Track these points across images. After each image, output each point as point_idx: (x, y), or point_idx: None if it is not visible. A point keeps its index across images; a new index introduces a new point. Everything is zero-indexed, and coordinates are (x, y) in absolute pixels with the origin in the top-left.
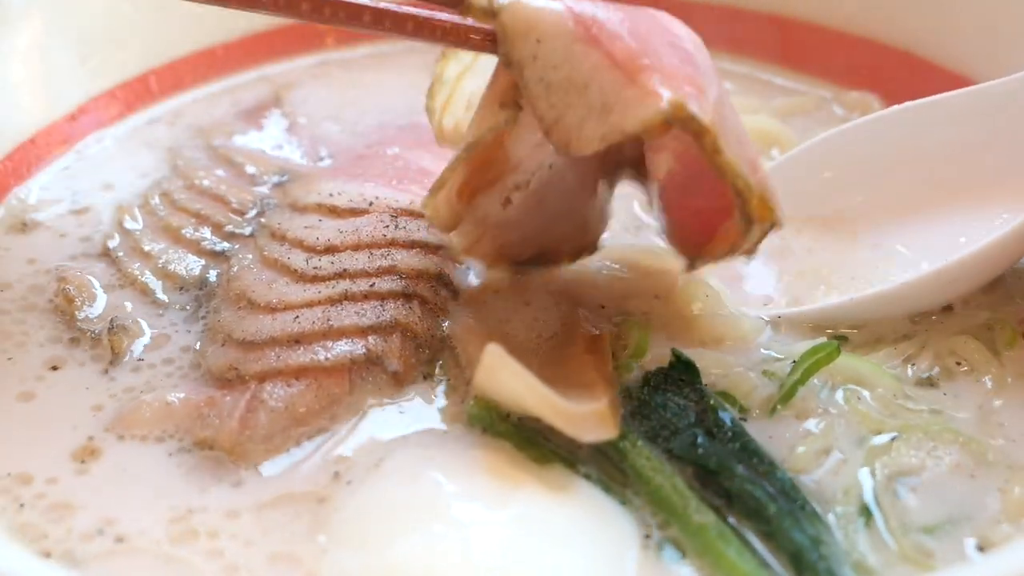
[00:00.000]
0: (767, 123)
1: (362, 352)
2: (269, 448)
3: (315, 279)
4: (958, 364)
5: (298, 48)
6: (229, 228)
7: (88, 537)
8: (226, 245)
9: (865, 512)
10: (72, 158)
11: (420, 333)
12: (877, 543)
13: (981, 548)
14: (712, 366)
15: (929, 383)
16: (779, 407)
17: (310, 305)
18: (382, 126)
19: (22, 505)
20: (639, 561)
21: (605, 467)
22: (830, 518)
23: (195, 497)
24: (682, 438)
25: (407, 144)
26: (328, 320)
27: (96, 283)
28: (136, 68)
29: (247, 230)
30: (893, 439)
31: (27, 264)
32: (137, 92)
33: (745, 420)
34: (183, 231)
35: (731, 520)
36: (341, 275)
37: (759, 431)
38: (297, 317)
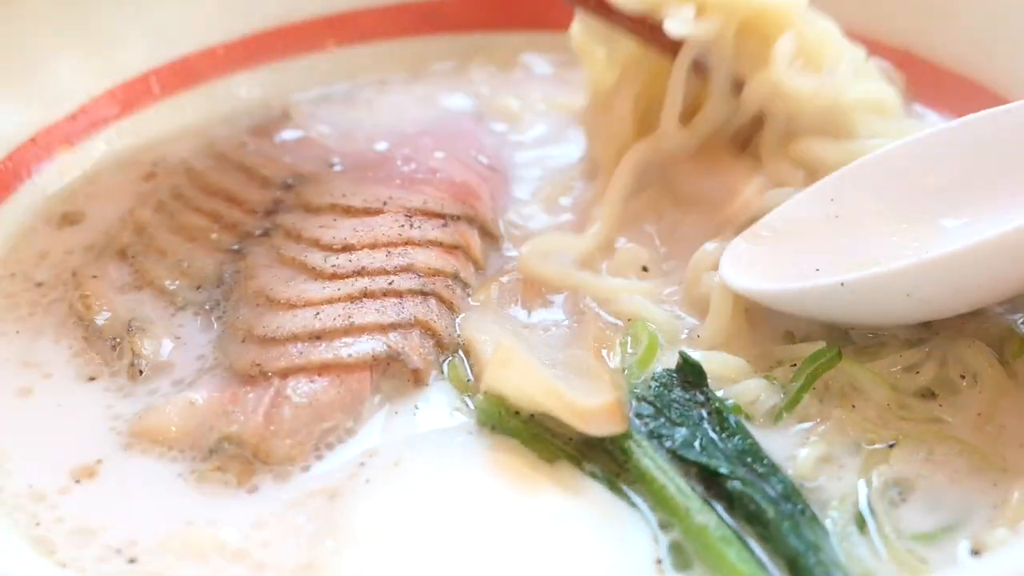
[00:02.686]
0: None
1: (383, 349)
2: (293, 444)
3: (334, 277)
4: (961, 377)
5: (299, 49)
6: (244, 228)
7: (104, 558)
8: (241, 244)
9: (860, 518)
10: (73, 158)
11: (438, 331)
12: (873, 549)
13: (975, 552)
14: (718, 372)
15: (928, 393)
16: (784, 415)
17: (330, 302)
18: (391, 128)
19: (38, 524)
20: (651, 564)
21: (610, 466)
22: (827, 523)
23: (210, 505)
24: (686, 439)
25: (417, 146)
26: (349, 317)
27: (112, 285)
28: (137, 68)
29: (261, 230)
30: (890, 446)
31: (39, 268)
32: (138, 92)
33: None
34: (198, 231)
35: (732, 522)
36: (360, 273)
37: (761, 435)
38: (318, 314)
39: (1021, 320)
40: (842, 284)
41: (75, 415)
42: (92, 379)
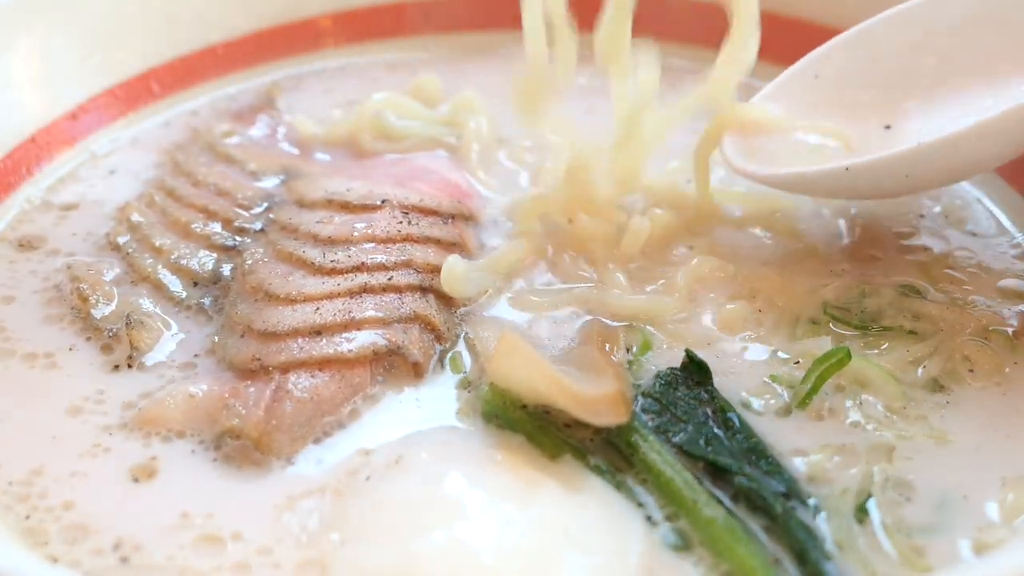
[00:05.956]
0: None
1: (384, 343)
2: (294, 438)
3: (333, 272)
4: (970, 371)
5: (298, 48)
6: (238, 223)
7: (99, 552)
8: (236, 239)
9: (862, 513)
10: (73, 157)
11: (438, 325)
12: (874, 543)
13: (975, 550)
14: (725, 371)
15: (937, 387)
16: (793, 411)
17: (330, 297)
18: None
19: (27, 517)
20: (649, 558)
21: (615, 459)
22: (830, 517)
23: (211, 501)
24: (692, 435)
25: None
26: (349, 312)
27: (108, 279)
28: (137, 67)
29: (256, 225)
30: (894, 443)
31: (36, 263)
32: (138, 91)
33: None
34: (192, 226)
35: (738, 513)
36: (359, 268)
37: (768, 429)
38: (318, 309)
39: (1013, 315)
40: (847, 168)
41: (72, 408)
42: (88, 372)
